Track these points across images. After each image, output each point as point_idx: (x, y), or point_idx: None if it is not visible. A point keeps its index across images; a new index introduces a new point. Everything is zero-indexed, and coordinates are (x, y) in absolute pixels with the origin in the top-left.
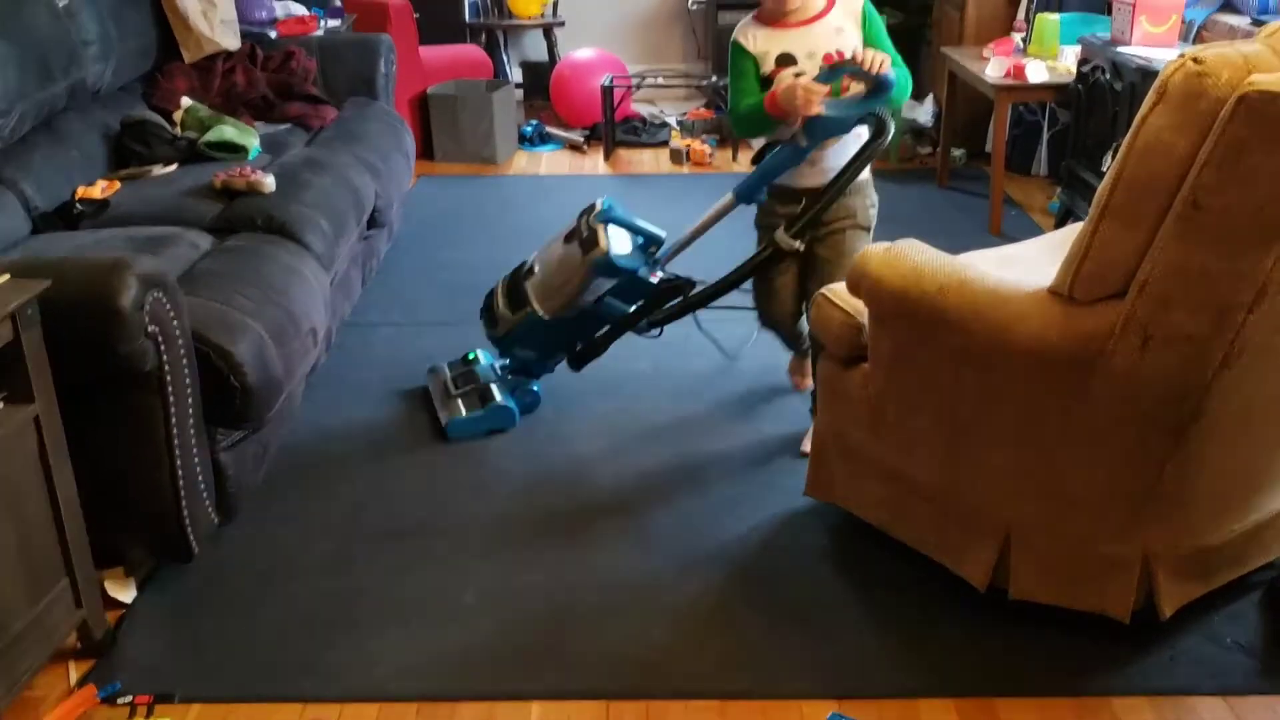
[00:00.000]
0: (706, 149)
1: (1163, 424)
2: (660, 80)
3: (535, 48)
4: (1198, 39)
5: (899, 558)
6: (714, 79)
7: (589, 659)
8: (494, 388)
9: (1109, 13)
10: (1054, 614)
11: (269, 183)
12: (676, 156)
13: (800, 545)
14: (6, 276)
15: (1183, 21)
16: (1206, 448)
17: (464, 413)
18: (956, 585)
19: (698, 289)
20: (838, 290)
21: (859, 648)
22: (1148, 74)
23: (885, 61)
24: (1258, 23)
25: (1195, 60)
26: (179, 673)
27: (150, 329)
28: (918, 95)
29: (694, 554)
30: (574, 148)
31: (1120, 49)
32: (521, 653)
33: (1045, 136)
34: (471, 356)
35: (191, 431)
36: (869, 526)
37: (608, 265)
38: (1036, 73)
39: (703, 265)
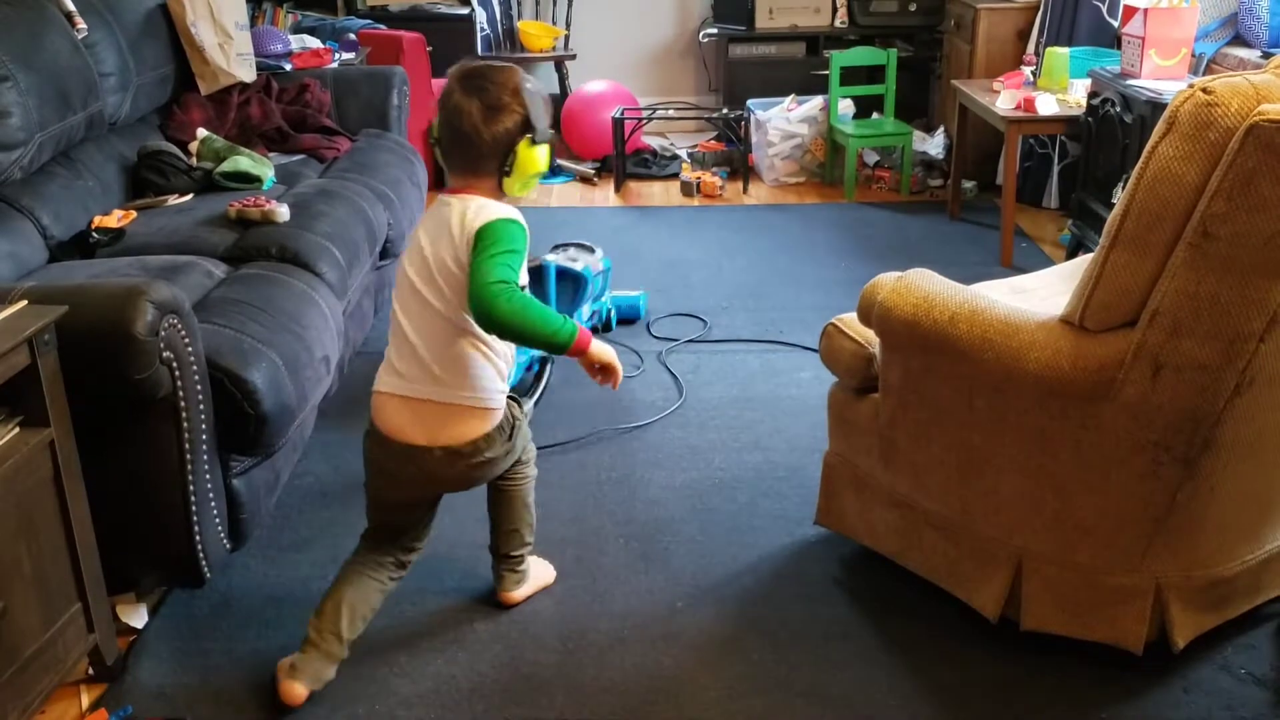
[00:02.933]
0: (717, 181)
1: (1174, 453)
2: (671, 113)
3: (547, 80)
4: (1207, 72)
5: (910, 587)
6: (725, 111)
7: (599, 687)
8: None
9: (1118, 46)
10: (1066, 645)
11: (283, 212)
12: (687, 189)
13: (811, 574)
14: (24, 303)
15: (1192, 55)
16: (1218, 477)
17: None
18: (968, 615)
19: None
20: (848, 320)
21: (869, 678)
22: (1158, 107)
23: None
24: (1267, 55)
25: (1205, 90)
26: (190, 698)
27: (165, 355)
28: (927, 128)
29: (704, 582)
30: (585, 180)
31: (1130, 82)
32: (531, 681)
33: (1056, 169)
34: None
35: (205, 457)
36: (880, 556)
37: None
38: (1046, 105)
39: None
